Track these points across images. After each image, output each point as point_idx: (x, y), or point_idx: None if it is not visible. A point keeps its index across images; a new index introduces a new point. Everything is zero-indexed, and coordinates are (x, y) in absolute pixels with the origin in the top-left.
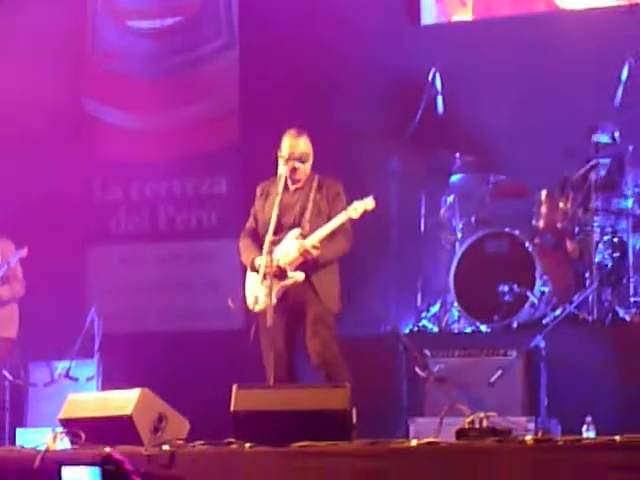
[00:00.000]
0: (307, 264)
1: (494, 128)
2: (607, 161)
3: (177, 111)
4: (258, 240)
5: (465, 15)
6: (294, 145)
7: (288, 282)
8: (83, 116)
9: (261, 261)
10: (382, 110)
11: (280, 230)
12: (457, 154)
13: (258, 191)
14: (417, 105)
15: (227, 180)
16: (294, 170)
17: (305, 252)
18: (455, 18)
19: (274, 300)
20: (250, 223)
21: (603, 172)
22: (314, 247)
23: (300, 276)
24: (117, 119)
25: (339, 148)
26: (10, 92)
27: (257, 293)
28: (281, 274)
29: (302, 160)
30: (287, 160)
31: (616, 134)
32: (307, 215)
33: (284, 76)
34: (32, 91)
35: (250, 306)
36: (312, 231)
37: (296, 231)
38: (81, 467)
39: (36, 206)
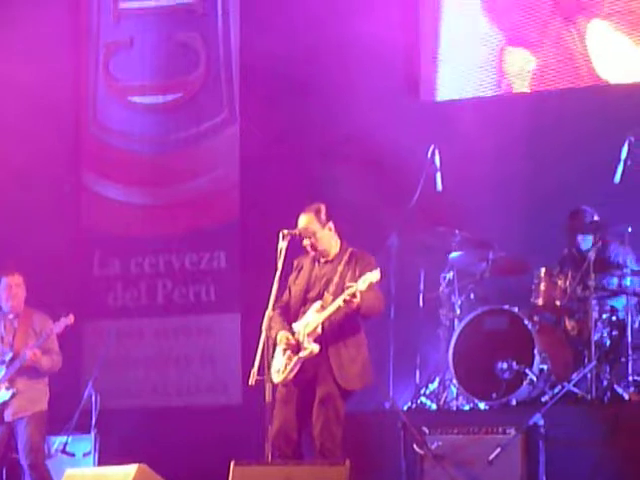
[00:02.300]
0: (326, 336)
1: (493, 205)
2: (606, 240)
3: (177, 186)
4: (289, 312)
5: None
6: (300, 221)
7: (304, 354)
8: (82, 189)
9: (281, 337)
10: (382, 186)
11: (306, 303)
12: (456, 231)
13: (294, 264)
14: (416, 182)
15: (226, 255)
16: (310, 245)
17: (352, 297)
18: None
19: (291, 375)
20: (285, 295)
21: (602, 250)
22: (354, 296)
23: (315, 348)
24: (116, 193)
25: (338, 224)
26: (10, 163)
27: (280, 366)
28: (298, 347)
29: (307, 235)
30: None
31: (595, 217)
32: (331, 288)
33: (284, 152)
34: (31, 162)
35: (274, 379)
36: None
37: (318, 303)
38: None
39: (33, 278)
